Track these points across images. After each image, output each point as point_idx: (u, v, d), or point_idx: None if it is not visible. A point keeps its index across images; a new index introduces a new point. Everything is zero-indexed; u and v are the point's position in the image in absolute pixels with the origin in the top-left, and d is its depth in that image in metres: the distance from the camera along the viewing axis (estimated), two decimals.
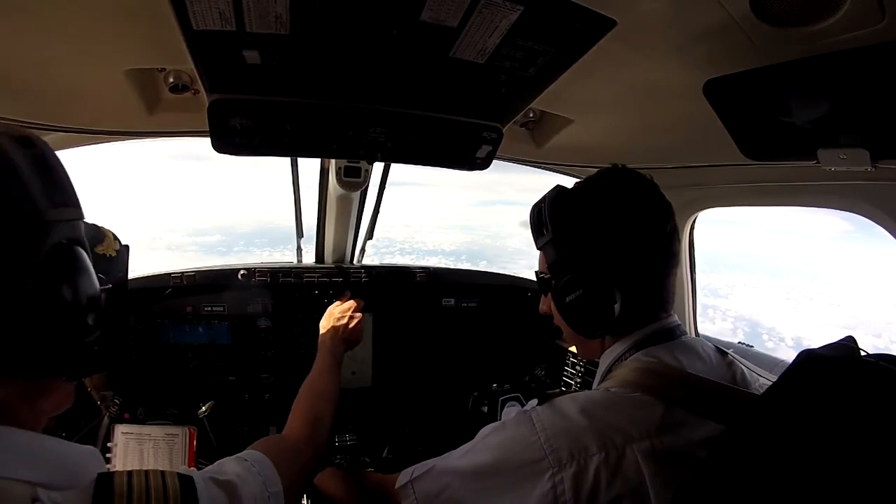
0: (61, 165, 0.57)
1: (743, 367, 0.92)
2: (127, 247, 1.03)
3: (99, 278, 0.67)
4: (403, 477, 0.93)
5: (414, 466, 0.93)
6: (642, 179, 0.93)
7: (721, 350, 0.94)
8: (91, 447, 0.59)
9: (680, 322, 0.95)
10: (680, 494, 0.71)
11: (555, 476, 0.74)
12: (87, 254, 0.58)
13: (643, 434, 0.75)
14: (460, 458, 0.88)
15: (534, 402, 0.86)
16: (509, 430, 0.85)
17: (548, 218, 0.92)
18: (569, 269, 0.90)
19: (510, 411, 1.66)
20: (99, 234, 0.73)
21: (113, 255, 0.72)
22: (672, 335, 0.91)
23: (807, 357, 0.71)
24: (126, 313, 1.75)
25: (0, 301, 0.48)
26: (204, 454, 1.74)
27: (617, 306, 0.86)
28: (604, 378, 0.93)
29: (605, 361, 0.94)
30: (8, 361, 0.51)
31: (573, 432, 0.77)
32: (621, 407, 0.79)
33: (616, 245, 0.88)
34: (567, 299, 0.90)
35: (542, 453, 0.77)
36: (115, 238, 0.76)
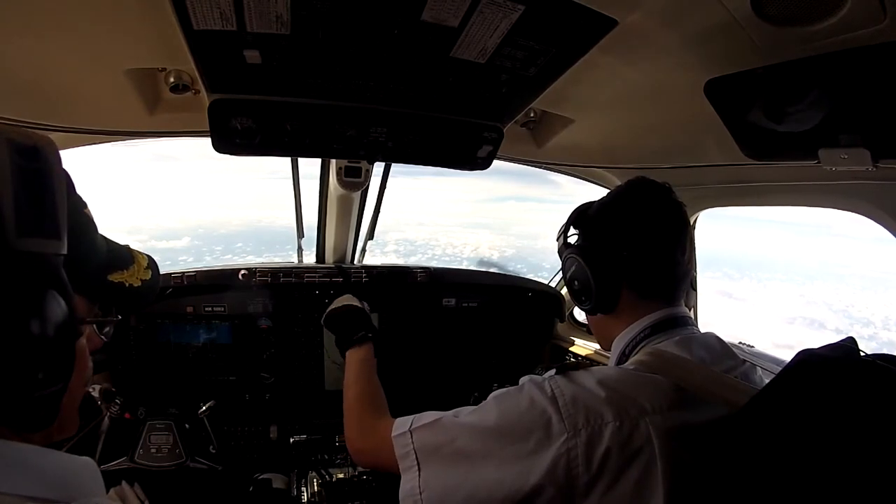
0: (62, 192, 0.49)
1: (752, 363, 0.95)
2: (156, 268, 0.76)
3: (103, 309, 0.58)
4: (401, 426, 0.90)
5: (413, 416, 0.91)
6: (652, 182, 1.02)
7: (727, 344, 0.97)
8: (88, 459, 0.58)
9: (688, 314, 0.99)
10: (684, 479, 0.73)
11: (569, 441, 0.76)
12: (63, 291, 0.49)
13: (656, 409, 0.78)
14: (471, 413, 0.87)
15: (552, 371, 0.87)
16: (526, 393, 0.84)
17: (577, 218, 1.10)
18: (579, 251, 1.02)
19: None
20: (123, 260, 0.61)
21: (136, 284, 0.60)
22: (679, 323, 0.96)
23: (805, 356, 0.72)
24: (126, 316, 1.75)
25: None
26: (204, 454, 1.75)
27: (621, 290, 0.97)
28: (618, 363, 0.96)
29: (618, 346, 0.99)
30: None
31: (590, 401, 0.79)
32: (636, 383, 0.82)
33: (622, 233, 0.97)
34: (569, 274, 1.04)
35: (559, 418, 0.78)
36: (149, 266, 0.63)
